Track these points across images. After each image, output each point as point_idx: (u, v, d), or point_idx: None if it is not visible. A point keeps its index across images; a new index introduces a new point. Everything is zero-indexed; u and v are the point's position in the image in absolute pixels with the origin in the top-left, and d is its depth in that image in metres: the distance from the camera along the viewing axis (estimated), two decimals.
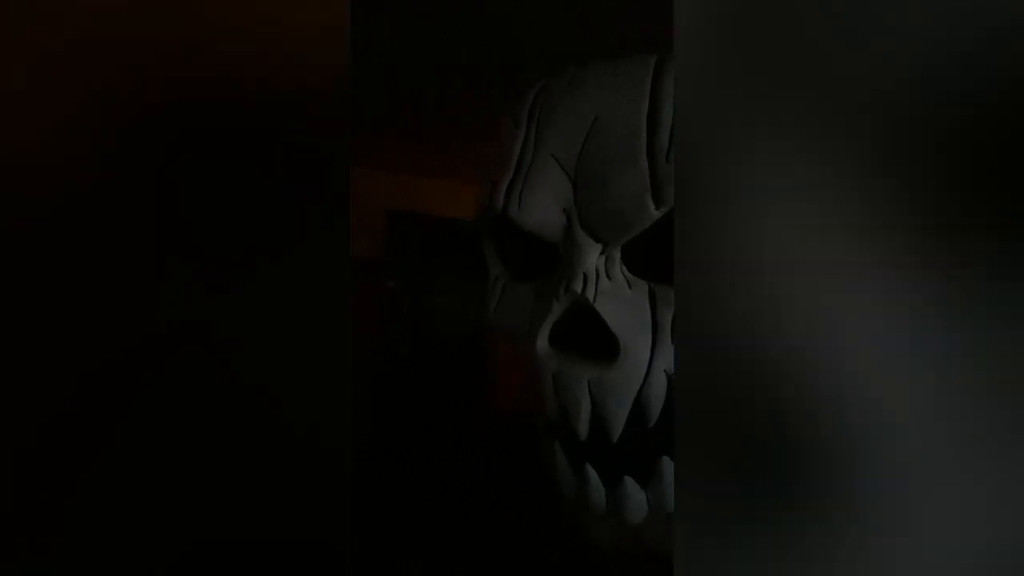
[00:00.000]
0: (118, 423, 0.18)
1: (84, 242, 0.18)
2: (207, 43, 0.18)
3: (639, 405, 0.25)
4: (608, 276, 0.26)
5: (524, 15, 1.25)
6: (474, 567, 0.35)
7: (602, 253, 0.26)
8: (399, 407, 2.39)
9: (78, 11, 0.17)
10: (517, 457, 0.39)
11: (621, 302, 0.26)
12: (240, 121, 0.19)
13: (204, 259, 0.19)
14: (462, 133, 2.04)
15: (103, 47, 0.18)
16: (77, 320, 0.18)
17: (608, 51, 0.30)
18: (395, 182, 2.72)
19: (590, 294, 0.26)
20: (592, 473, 0.27)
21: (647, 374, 0.25)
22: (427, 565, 0.35)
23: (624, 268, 0.26)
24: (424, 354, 2.56)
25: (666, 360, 0.25)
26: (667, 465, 0.26)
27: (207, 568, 0.18)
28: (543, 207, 0.27)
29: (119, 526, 0.18)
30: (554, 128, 0.28)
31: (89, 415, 0.18)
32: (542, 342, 0.26)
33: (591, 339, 0.26)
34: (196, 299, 0.19)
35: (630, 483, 0.26)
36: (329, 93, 0.19)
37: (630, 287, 0.26)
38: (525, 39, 1.35)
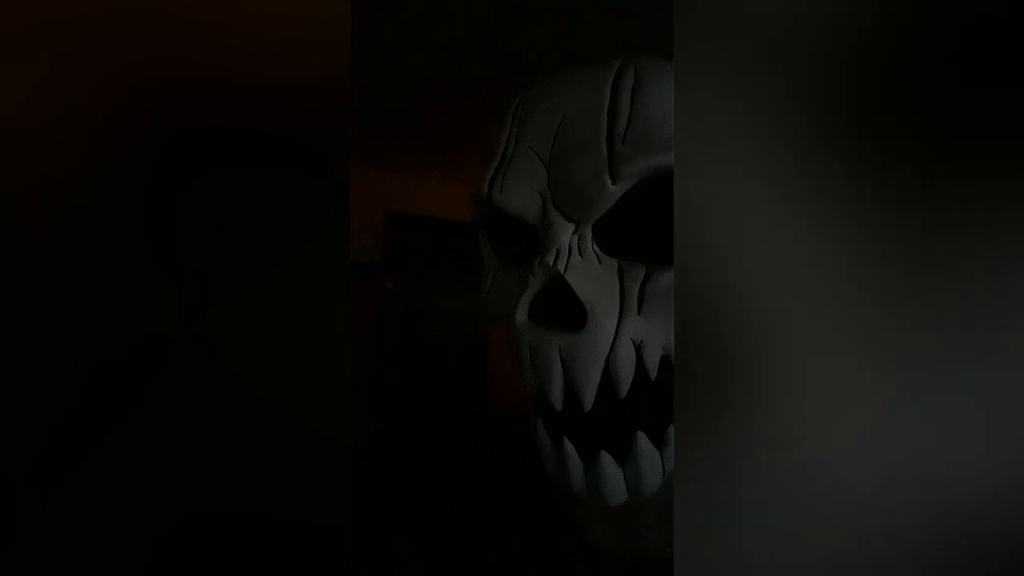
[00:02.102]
0: (117, 423, 0.18)
1: (82, 242, 0.18)
2: (207, 43, 0.18)
3: (608, 373, 0.27)
4: (580, 253, 0.29)
5: (524, 15, 1.25)
6: (474, 566, 0.35)
7: (575, 232, 0.29)
8: (399, 407, 2.39)
9: (77, 11, 0.17)
10: (517, 457, 0.39)
11: (590, 275, 0.28)
12: (240, 121, 0.19)
13: (203, 259, 0.19)
14: (462, 133, 2.04)
15: (102, 47, 0.18)
16: (75, 320, 0.18)
17: (608, 52, 0.32)
18: (395, 182, 2.72)
19: (561, 266, 0.28)
20: (570, 447, 0.28)
21: (614, 341, 0.27)
22: (427, 564, 0.35)
23: (595, 246, 0.29)
24: (424, 354, 2.56)
25: (633, 330, 0.27)
26: (643, 441, 0.27)
27: (207, 566, 0.18)
28: (522, 190, 0.30)
29: (119, 526, 0.18)
30: (531, 125, 0.31)
31: (88, 415, 0.18)
32: (521, 315, 0.29)
33: (563, 309, 0.28)
34: (195, 299, 0.19)
35: (606, 458, 0.27)
36: (329, 93, 0.19)
37: (600, 263, 0.29)
38: (525, 40, 1.35)
